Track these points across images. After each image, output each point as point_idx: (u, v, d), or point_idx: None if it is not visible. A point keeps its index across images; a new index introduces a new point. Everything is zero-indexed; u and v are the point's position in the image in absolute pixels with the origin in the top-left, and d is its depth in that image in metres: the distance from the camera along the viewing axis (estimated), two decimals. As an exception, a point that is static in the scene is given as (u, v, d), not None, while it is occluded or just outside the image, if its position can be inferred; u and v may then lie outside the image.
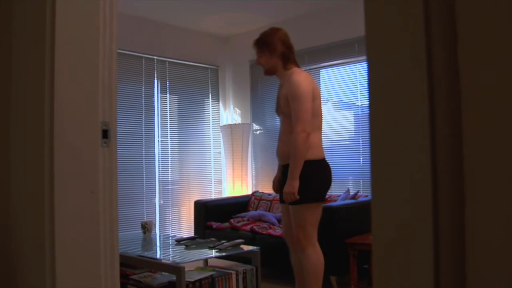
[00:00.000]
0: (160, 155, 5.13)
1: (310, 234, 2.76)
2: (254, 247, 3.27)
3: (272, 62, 2.84)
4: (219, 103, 5.72)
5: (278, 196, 3.31)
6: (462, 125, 0.81)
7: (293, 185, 2.66)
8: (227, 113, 5.75)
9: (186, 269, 2.75)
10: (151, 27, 5.06)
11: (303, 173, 2.70)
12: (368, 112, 0.92)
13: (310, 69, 4.89)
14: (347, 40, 4.56)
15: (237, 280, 3.03)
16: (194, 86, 5.48)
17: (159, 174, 5.10)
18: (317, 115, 2.79)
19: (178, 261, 2.90)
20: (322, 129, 2.90)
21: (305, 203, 2.72)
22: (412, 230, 0.83)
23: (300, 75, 2.77)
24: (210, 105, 5.63)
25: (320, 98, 2.86)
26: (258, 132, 5.44)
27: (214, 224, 4.37)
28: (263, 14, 4.96)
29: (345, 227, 3.55)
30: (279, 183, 2.95)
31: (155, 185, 5.08)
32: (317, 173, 2.77)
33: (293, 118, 2.69)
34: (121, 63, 4.68)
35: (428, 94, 0.82)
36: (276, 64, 2.84)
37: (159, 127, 5.14)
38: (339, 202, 3.90)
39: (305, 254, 2.77)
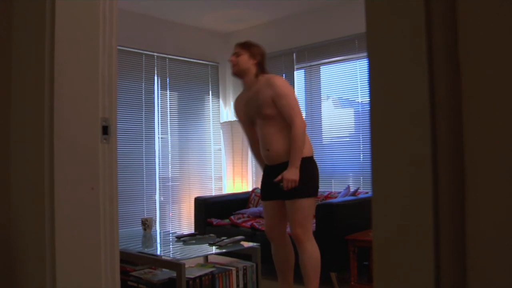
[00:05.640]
0: (160, 152, 5.13)
1: (308, 228, 2.84)
2: (254, 244, 3.27)
3: (248, 65, 2.94)
4: (219, 100, 5.72)
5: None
6: (463, 120, 0.81)
7: (296, 173, 2.75)
8: (227, 109, 5.74)
9: (186, 266, 2.75)
10: (151, 24, 5.05)
11: (303, 168, 2.78)
12: (369, 108, 0.92)
13: (310, 65, 4.89)
14: (348, 37, 4.55)
15: (237, 276, 3.04)
16: (194, 83, 5.48)
17: (159, 171, 5.10)
18: None
19: (178, 257, 2.91)
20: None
21: (306, 198, 2.80)
22: (413, 227, 0.83)
23: (280, 78, 2.95)
24: (210, 101, 5.63)
25: None
26: (258, 129, 5.43)
27: (214, 221, 4.38)
28: (264, 11, 4.95)
29: (345, 223, 3.56)
30: (268, 184, 2.97)
31: (155, 181, 5.08)
32: (314, 169, 2.90)
33: (288, 113, 2.80)
34: (121, 59, 4.67)
35: (429, 89, 0.81)
36: (250, 68, 2.95)
37: (159, 123, 5.13)
38: (339, 199, 3.91)
39: (303, 248, 2.83)
